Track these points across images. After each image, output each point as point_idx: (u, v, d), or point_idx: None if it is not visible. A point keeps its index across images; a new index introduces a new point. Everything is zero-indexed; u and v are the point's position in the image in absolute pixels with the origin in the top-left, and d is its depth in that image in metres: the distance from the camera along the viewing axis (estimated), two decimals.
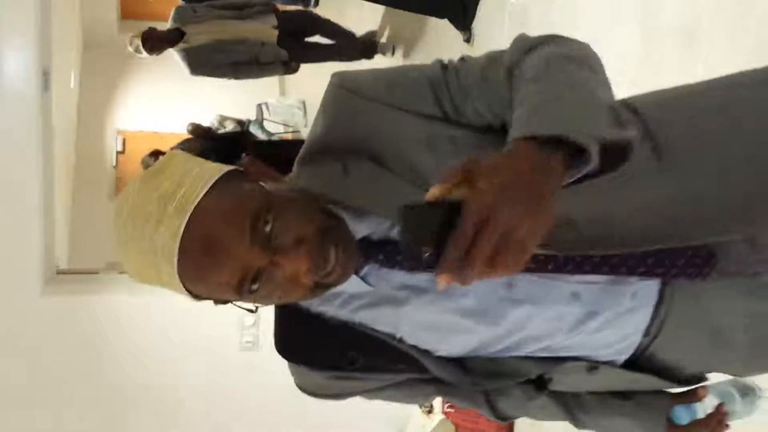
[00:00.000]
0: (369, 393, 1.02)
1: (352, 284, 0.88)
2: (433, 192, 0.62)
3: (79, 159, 8.40)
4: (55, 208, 3.58)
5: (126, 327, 3.53)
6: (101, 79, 8.57)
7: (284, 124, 6.83)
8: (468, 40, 3.72)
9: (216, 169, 0.81)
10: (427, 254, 0.61)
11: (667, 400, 1.02)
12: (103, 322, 3.51)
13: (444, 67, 0.89)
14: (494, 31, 3.50)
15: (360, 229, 0.88)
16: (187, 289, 0.80)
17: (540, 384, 0.99)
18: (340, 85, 0.92)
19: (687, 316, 0.90)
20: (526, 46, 0.85)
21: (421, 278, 0.89)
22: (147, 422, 3.61)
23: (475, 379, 0.95)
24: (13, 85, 3.37)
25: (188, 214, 0.76)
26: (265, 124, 6.76)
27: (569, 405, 1.06)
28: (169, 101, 8.29)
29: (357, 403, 1.09)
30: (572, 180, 0.70)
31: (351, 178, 0.88)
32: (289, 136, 6.96)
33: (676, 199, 0.84)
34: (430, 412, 3.67)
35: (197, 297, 0.84)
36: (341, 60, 4.84)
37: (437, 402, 3.49)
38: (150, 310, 3.50)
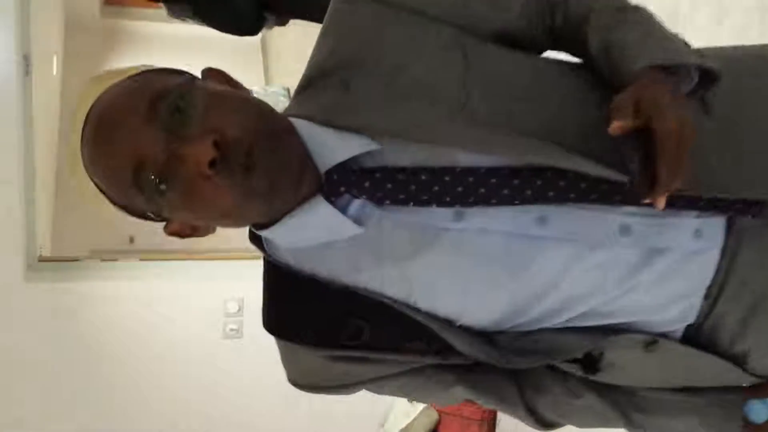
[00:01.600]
0: (377, 382, 0.85)
1: (337, 225, 0.75)
2: (618, 125, 0.64)
3: (61, 145, 8.32)
4: (38, 196, 3.55)
5: (108, 315, 3.52)
6: (84, 65, 8.47)
7: None
8: None
9: (146, 67, 0.78)
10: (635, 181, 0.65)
11: (740, 394, 0.84)
12: (85, 309, 3.49)
13: None
14: None
15: (340, 151, 0.75)
16: (98, 188, 0.75)
17: (587, 371, 0.81)
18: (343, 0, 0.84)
19: (754, 268, 0.76)
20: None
21: (432, 215, 0.74)
22: (131, 409, 3.61)
23: (506, 355, 0.78)
24: None
25: (100, 98, 0.73)
26: None
27: (621, 403, 0.87)
28: None
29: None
30: None
31: (351, 93, 0.78)
32: None
33: (722, 153, 0.77)
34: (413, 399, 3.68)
35: (116, 204, 0.77)
36: None
37: None
38: (132, 297, 3.49)
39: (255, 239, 0.85)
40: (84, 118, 0.74)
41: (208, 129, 0.69)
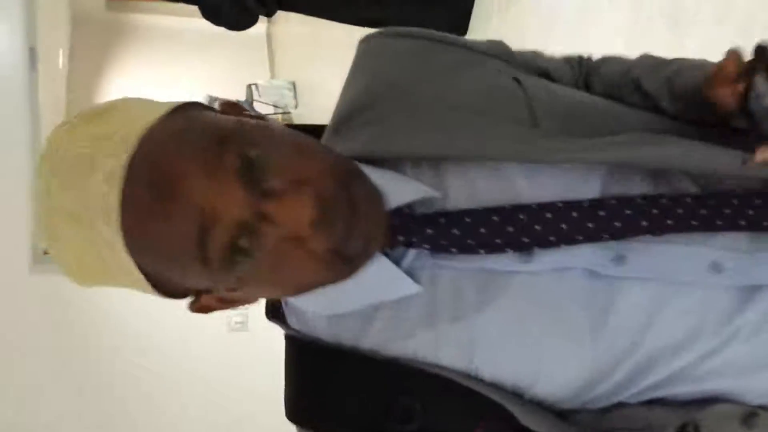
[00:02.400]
0: None
1: (391, 283, 0.63)
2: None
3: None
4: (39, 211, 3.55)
5: (114, 307, 3.53)
6: (90, 59, 8.49)
7: (274, 106, 6.81)
8: None
9: (172, 104, 0.59)
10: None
11: None
12: (90, 303, 3.50)
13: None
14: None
15: (396, 195, 0.63)
16: (138, 266, 0.55)
17: None
18: (379, 35, 0.77)
19: None
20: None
21: (495, 259, 0.62)
22: (135, 402, 3.62)
23: None
24: (0, 63, 3.33)
25: (132, 146, 0.53)
26: (255, 105, 6.73)
27: None
28: (159, 81, 8.23)
29: None
30: None
31: (403, 122, 0.67)
32: (279, 118, 6.93)
33: None
34: None
35: (159, 286, 0.59)
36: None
37: None
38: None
39: (272, 313, 0.74)
40: (90, 172, 0.54)
41: (298, 180, 0.55)
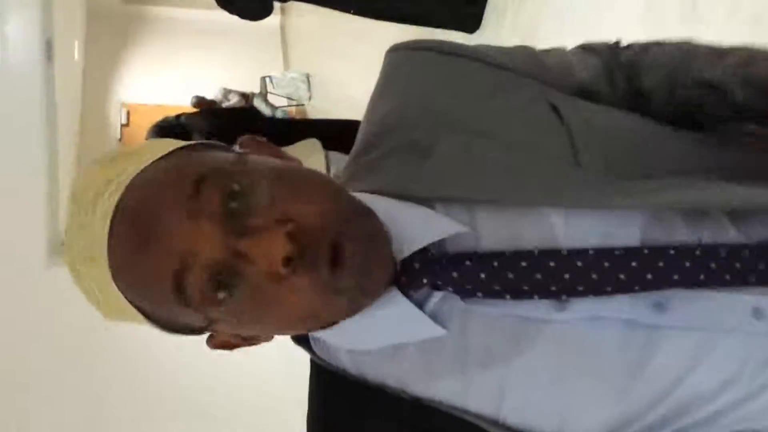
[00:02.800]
0: None
1: (412, 324, 0.62)
2: None
3: (83, 131, 8.40)
4: (59, 181, 3.58)
5: None
6: (105, 51, 8.53)
7: (288, 98, 6.82)
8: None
9: (177, 143, 0.60)
10: None
11: None
12: None
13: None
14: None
15: (423, 234, 0.62)
16: (134, 305, 0.58)
17: None
18: (408, 48, 0.74)
19: None
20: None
21: (528, 307, 0.60)
22: (148, 393, 3.64)
23: None
24: (17, 55, 3.36)
25: (124, 187, 0.56)
26: (269, 97, 6.75)
27: None
28: (173, 74, 8.26)
29: None
30: None
31: (434, 159, 0.65)
32: (293, 110, 6.95)
33: None
34: None
35: (161, 324, 0.61)
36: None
37: None
38: None
39: (299, 338, 0.73)
40: (92, 213, 0.57)
41: (278, 217, 0.55)
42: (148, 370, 3.63)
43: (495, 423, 0.61)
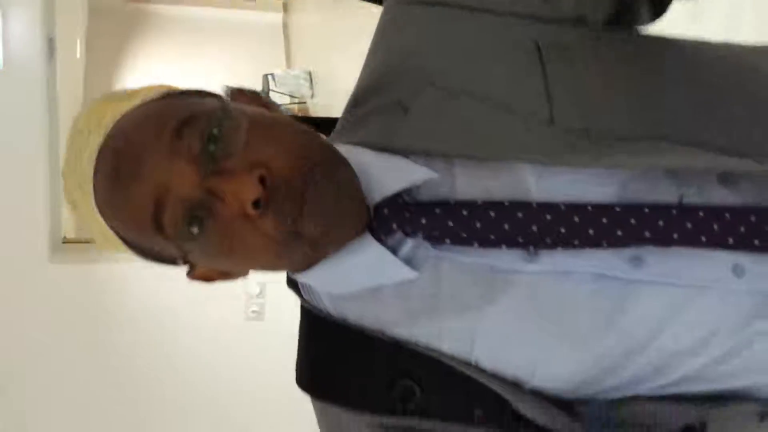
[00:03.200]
0: None
1: (385, 268, 0.63)
2: None
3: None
4: (61, 178, 3.57)
5: (132, 296, 3.55)
6: (107, 49, 8.52)
7: (290, 96, 6.81)
8: None
9: (171, 88, 0.65)
10: None
11: None
12: (109, 290, 3.53)
13: None
14: None
15: (394, 181, 0.64)
16: (117, 234, 0.63)
17: None
18: (405, 0, 0.75)
19: None
20: None
21: (500, 257, 0.61)
22: (152, 390, 3.64)
23: (590, 429, 0.61)
24: (19, 52, 3.35)
25: (108, 127, 0.61)
26: (271, 95, 6.73)
27: None
28: (175, 73, 8.26)
29: None
30: None
31: (414, 113, 0.66)
32: (296, 108, 6.93)
33: None
34: None
35: (144, 253, 0.65)
36: None
37: None
38: (156, 279, 3.51)
39: (291, 282, 0.76)
40: (86, 147, 0.62)
41: (252, 162, 0.58)
42: (150, 369, 3.63)
43: (468, 365, 0.63)
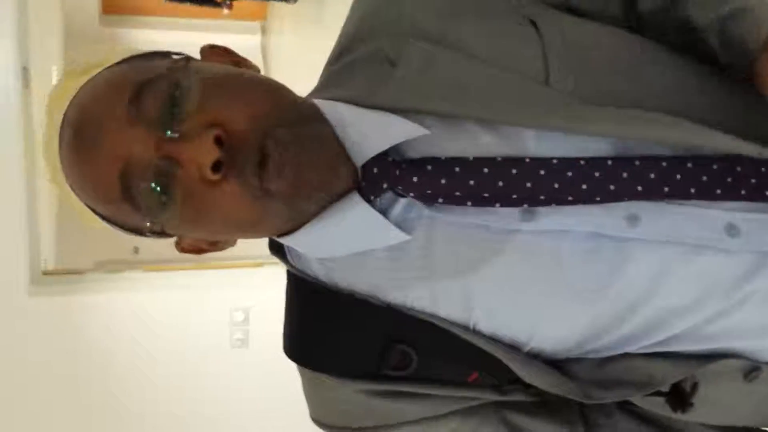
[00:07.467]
0: (422, 424, 0.66)
1: (375, 231, 0.61)
2: None
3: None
4: (41, 208, 3.53)
5: (114, 327, 3.49)
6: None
7: None
8: None
9: (135, 52, 0.62)
10: None
11: None
12: (91, 322, 3.47)
13: None
14: None
15: (381, 139, 0.60)
16: (89, 206, 0.61)
17: (676, 407, 0.63)
18: None
19: None
20: None
21: (495, 216, 0.59)
22: (138, 422, 3.58)
23: (586, 388, 0.62)
24: None
25: (73, 96, 0.59)
26: None
27: None
28: None
29: None
30: None
31: (401, 69, 0.62)
32: None
33: None
34: None
35: (109, 222, 0.62)
36: None
37: None
38: (138, 308, 3.46)
39: (275, 247, 0.72)
40: (59, 120, 0.60)
41: (207, 122, 0.55)
42: (134, 400, 3.57)
43: (466, 329, 0.62)
